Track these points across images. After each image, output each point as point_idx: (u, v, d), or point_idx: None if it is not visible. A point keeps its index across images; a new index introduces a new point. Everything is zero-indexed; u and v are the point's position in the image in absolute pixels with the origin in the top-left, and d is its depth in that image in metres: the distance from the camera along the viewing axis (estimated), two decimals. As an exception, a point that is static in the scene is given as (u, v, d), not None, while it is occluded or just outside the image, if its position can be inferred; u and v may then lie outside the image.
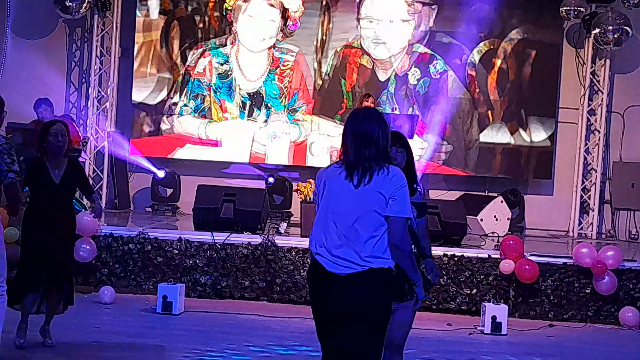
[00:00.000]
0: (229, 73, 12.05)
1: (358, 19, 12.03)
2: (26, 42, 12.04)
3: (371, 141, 4.02)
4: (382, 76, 12.01)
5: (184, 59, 12.08)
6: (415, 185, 4.71)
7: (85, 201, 11.09)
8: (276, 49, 12.08)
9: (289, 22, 12.11)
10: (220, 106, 11.99)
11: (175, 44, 12.14)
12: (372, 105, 10.40)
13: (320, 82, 12.10)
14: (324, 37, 12.14)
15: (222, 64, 12.08)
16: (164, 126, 12.03)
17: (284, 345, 6.82)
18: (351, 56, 12.06)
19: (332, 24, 12.14)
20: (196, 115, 11.98)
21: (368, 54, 12.01)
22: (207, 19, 12.16)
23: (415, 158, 5.19)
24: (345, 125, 4.13)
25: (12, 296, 6.06)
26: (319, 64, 12.10)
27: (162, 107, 12.04)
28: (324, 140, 11.87)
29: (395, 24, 11.98)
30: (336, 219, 4.02)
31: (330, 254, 4.01)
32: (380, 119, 4.11)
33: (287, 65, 12.10)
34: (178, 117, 11.99)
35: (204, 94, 11.99)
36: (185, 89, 12.02)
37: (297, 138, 11.96)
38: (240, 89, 11.99)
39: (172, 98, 12.05)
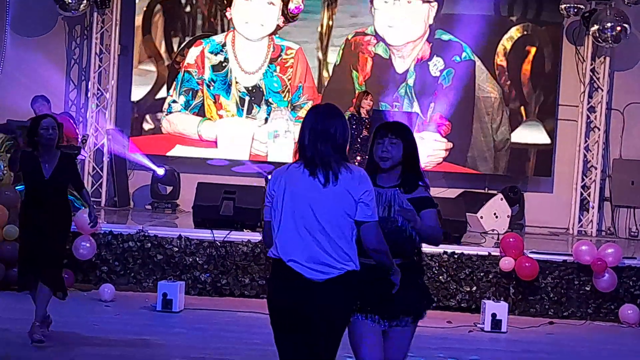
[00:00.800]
0: (223, 65, 11.70)
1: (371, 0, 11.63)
2: (25, 39, 12.02)
3: (328, 137, 3.88)
4: (399, 67, 11.74)
5: (169, 49, 11.80)
6: (419, 182, 4.32)
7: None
8: (277, 35, 11.65)
9: (291, 5, 11.52)
10: (215, 102, 11.70)
11: (159, 32, 11.87)
12: (371, 104, 10.36)
13: (326, 75, 11.75)
14: (330, 22, 11.66)
15: (216, 54, 11.72)
16: (147, 126, 11.82)
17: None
18: (364, 45, 11.69)
19: (337, 6, 11.68)
20: (187, 112, 11.72)
21: (384, 40, 11.66)
22: (195, 1, 11.83)
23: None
24: (302, 121, 3.99)
25: (21, 283, 6.55)
26: (324, 54, 11.68)
27: (144, 105, 11.87)
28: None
29: (414, 5, 11.65)
30: (307, 222, 3.85)
31: (305, 260, 3.84)
32: (340, 115, 3.98)
33: (290, 54, 11.66)
34: (166, 114, 11.77)
35: (196, 88, 11.70)
36: (174, 82, 11.71)
37: (302, 138, 11.69)
38: (237, 83, 11.70)
39: (157, 93, 11.77)
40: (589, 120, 11.96)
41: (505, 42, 11.87)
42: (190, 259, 8.78)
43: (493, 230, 10.34)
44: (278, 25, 11.69)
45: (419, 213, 4.17)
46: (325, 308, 3.85)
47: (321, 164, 3.87)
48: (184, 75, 11.75)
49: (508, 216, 10.90)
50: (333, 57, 11.81)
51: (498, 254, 8.80)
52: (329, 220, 3.85)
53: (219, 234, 8.86)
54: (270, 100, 11.72)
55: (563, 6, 11.65)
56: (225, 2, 11.76)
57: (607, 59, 11.83)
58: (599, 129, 11.91)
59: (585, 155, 11.96)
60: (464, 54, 11.73)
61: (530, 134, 11.90)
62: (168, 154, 11.82)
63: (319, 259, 3.84)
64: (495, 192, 11.34)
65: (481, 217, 10.64)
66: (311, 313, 3.85)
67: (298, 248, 3.85)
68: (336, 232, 3.85)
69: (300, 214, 3.86)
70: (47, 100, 10.39)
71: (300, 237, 3.85)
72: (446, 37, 11.75)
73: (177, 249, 8.79)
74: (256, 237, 8.88)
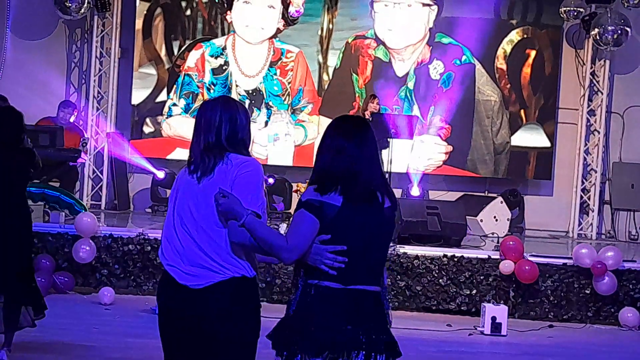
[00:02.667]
0: (224, 68, 11.69)
1: (372, 3, 11.64)
2: (26, 42, 12.03)
3: (211, 129, 3.55)
4: (399, 71, 11.76)
5: (169, 52, 11.80)
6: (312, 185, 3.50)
7: (85, 201, 11.13)
8: (278, 39, 11.66)
9: (291, 8, 11.50)
10: (215, 105, 11.73)
11: (159, 35, 11.86)
12: (378, 107, 10.33)
13: (326, 78, 11.76)
14: (330, 26, 11.66)
15: (216, 58, 11.70)
16: (147, 129, 11.82)
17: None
18: (364, 48, 11.71)
19: (337, 10, 11.70)
20: (187, 115, 11.66)
21: (384, 44, 11.69)
22: (195, 4, 11.84)
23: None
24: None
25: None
26: (325, 57, 11.68)
27: (144, 108, 11.87)
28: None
29: (414, 8, 11.66)
30: (185, 221, 3.54)
31: (183, 264, 3.51)
32: (229, 106, 3.62)
33: (290, 57, 11.65)
34: (166, 118, 11.77)
35: (196, 92, 11.70)
36: (174, 86, 11.71)
37: (301, 141, 11.68)
38: (237, 86, 11.69)
39: (157, 97, 11.78)
40: (588, 124, 11.97)
41: (505, 46, 11.88)
42: (190, 262, 8.76)
43: (493, 233, 10.33)
44: (278, 29, 11.69)
45: None
46: (204, 319, 3.48)
47: (200, 159, 3.56)
48: (184, 78, 11.75)
49: (508, 219, 10.91)
50: (333, 60, 11.82)
51: (498, 257, 8.80)
52: (207, 218, 3.50)
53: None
54: (270, 103, 11.72)
55: (563, 9, 11.66)
56: (225, 5, 11.77)
57: (607, 62, 11.84)
58: (598, 132, 11.91)
59: (585, 159, 11.97)
60: (464, 57, 11.74)
61: (530, 137, 11.90)
62: (168, 157, 11.81)
63: (197, 262, 3.50)
64: (495, 195, 11.35)
65: (481, 220, 10.64)
66: (192, 324, 3.50)
67: (176, 251, 3.54)
68: (215, 232, 3.49)
69: (179, 215, 3.57)
70: (74, 109, 10.58)
71: (179, 240, 3.54)
72: (446, 40, 11.75)
73: (177, 252, 8.77)
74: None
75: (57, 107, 10.56)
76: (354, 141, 3.47)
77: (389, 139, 9.98)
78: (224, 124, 3.58)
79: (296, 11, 11.60)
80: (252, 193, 3.49)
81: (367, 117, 10.21)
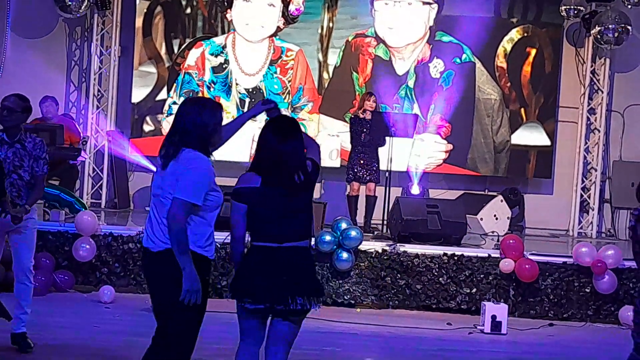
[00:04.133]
0: (224, 66, 11.70)
1: (372, 1, 11.60)
2: (26, 41, 12.03)
3: (177, 126, 4.18)
4: (400, 69, 11.77)
5: (169, 50, 11.80)
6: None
7: (85, 200, 11.13)
8: (278, 37, 11.65)
9: (291, 7, 11.52)
10: (215, 104, 11.70)
11: (160, 33, 11.84)
12: (374, 105, 10.27)
13: (327, 76, 11.74)
14: (330, 24, 11.65)
15: (216, 56, 11.70)
16: (147, 127, 11.82)
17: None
18: (364, 47, 11.71)
19: (337, 8, 11.68)
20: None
21: (384, 42, 11.69)
22: (195, 2, 11.83)
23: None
24: None
25: None
26: (325, 55, 11.66)
27: (144, 106, 11.85)
28: (335, 142, 11.36)
29: (414, 7, 11.66)
30: (153, 201, 4.33)
31: (149, 231, 4.30)
32: (191, 103, 4.26)
33: (291, 56, 11.66)
34: (167, 116, 11.73)
35: (196, 90, 11.65)
36: (174, 84, 11.70)
37: (302, 139, 11.65)
38: (237, 84, 11.72)
39: (157, 95, 11.77)
40: (589, 122, 11.97)
41: (506, 44, 11.88)
42: (190, 261, 8.75)
43: (493, 231, 10.34)
44: (278, 27, 11.68)
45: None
46: (154, 277, 4.35)
47: (164, 150, 4.20)
48: (184, 76, 11.74)
49: (508, 218, 10.91)
50: (333, 58, 11.81)
51: (498, 255, 8.80)
52: (160, 200, 4.22)
53: (219, 236, 8.76)
54: (270, 102, 11.68)
55: (563, 8, 11.67)
56: (225, 3, 11.76)
57: (607, 60, 11.84)
58: (599, 131, 11.92)
59: (585, 157, 11.97)
60: (464, 56, 11.73)
61: (531, 136, 11.90)
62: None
63: (152, 232, 4.28)
64: (495, 193, 11.35)
65: (481, 219, 10.64)
66: (152, 283, 4.43)
67: (149, 220, 4.33)
68: (163, 212, 4.19)
69: (152, 193, 4.35)
70: (56, 102, 10.45)
71: (152, 212, 4.32)
72: (446, 38, 11.75)
73: (177, 251, 8.76)
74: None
75: (39, 106, 10.45)
76: (276, 138, 4.31)
77: (386, 137, 9.94)
78: (185, 119, 4.16)
79: (296, 9, 11.59)
80: (192, 184, 4.14)
81: (361, 115, 10.10)
